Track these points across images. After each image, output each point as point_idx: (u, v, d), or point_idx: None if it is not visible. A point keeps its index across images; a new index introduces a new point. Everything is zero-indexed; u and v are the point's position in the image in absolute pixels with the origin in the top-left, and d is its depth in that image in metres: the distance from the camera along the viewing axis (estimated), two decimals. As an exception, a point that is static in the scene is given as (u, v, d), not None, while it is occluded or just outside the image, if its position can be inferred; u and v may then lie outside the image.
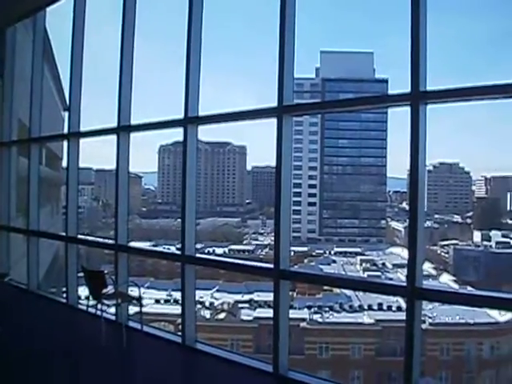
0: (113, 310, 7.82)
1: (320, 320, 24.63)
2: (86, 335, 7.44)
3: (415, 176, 5.23)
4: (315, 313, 24.84)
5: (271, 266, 6.32)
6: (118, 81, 8.12)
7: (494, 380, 23.87)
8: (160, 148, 33.16)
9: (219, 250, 28.43)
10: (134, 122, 8.27)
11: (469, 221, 33.00)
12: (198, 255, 7.56)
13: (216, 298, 25.96)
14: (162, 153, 33.27)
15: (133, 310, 8.30)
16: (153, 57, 30.51)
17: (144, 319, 7.81)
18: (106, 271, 7.70)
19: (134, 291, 7.83)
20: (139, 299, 7.71)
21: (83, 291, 8.08)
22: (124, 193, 8.27)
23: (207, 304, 25.44)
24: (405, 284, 5.31)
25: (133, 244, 9.28)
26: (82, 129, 9.22)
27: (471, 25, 29.73)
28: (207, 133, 30.37)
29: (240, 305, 25.64)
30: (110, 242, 8.54)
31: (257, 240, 31.20)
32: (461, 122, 32.36)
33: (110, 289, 7.40)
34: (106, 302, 7.26)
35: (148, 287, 24.82)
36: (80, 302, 9.20)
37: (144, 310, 7.94)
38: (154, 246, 23.48)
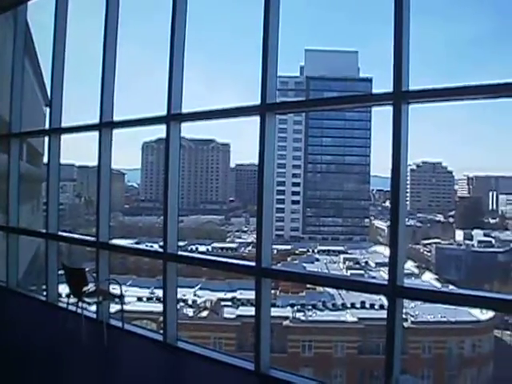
0: (94, 308, 7.75)
1: (303, 318, 24.68)
2: (67, 333, 7.35)
3: (397, 175, 5.26)
4: (298, 311, 24.88)
5: (253, 263, 6.32)
6: (101, 76, 8.04)
7: (475, 378, 24.12)
8: (143, 145, 33.03)
9: (202, 248, 28.37)
10: (117, 118, 8.20)
11: (451, 220, 33.28)
12: (180, 253, 7.52)
13: (199, 296, 25.90)
14: (145, 149, 33.12)
15: (114, 308, 8.24)
16: (137, 52, 30.32)
17: (126, 317, 7.75)
18: (87, 269, 7.64)
19: (115, 289, 7.77)
20: (120, 297, 7.65)
21: (64, 289, 7.99)
22: (106, 190, 8.21)
23: (190, 302, 25.37)
24: (386, 282, 5.34)
25: (115, 241, 9.21)
26: (64, 124, 9.12)
27: (456, 27, 30.05)
28: (191, 130, 30.29)
29: (223, 303, 25.60)
30: (92, 239, 8.46)
31: (240, 238, 31.20)
32: (444, 122, 32.61)
33: (90, 286, 7.33)
34: (86, 299, 7.19)
35: (130, 285, 24.70)
36: (60, 299, 9.10)
37: (126, 308, 7.89)
38: (136, 243, 23.33)
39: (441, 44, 30.44)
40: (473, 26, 30.24)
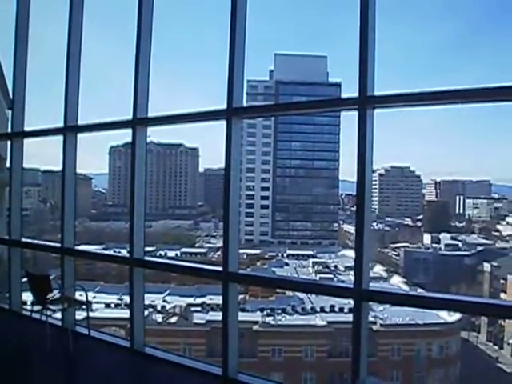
0: (59, 315, 7.60)
1: (273, 322, 24.73)
2: (31, 341, 7.21)
3: (362, 179, 5.30)
4: (268, 315, 24.93)
5: (220, 268, 6.30)
6: (65, 79, 7.89)
7: (443, 378, 24.49)
8: (111, 149, 32.71)
9: (171, 253, 28.22)
10: (82, 122, 8.07)
11: (419, 223, 33.80)
12: (146, 258, 7.44)
13: (168, 302, 25.72)
14: (112, 154, 32.80)
15: (82, 315, 8.10)
16: (104, 56, 30.07)
17: (94, 324, 7.64)
18: (53, 275, 7.49)
19: (82, 296, 7.65)
20: (86, 304, 7.54)
21: (29, 297, 7.82)
22: (71, 194, 8.07)
23: (159, 308, 25.17)
24: (352, 286, 5.38)
25: (81, 247, 9.06)
26: (27, 128, 8.93)
27: (418, 34, 30.72)
28: (161, 134, 30.19)
29: (192, 308, 25.48)
30: (56, 245, 8.30)
31: (209, 243, 31.13)
32: (412, 127, 33.21)
33: (55, 293, 7.20)
34: (51, 307, 7.05)
35: (98, 291, 24.40)
36: (25, 307, 8.90)
37: (94, 315, 7.77)
38: (104, 249, 23.07)
39: (403, 50, 31.06)
40: (435, 33, 30.96)
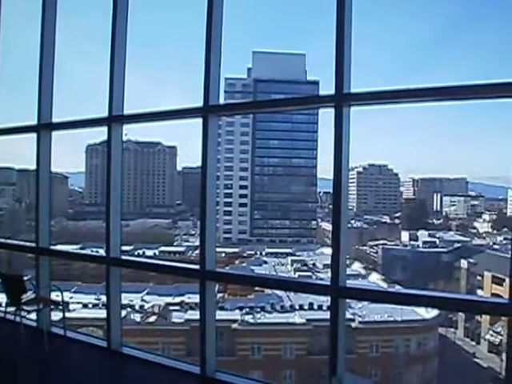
0: (35, 316, 7.49)
1: (252, 321, 24.72)
2: (4, 343, 7.09)
3: (338, 176, 5.32)
4: (247, 314, 24.92)
5: (197, 266, 6.27)
6: (39, 74, 7.75)
7: (421, 374, 24.74)
8: (87, 147, 32.43)
9: (149, 252, 28.07)
10: (56, 119, 7.94)
11: (397, 221, 34.11)
12: (123, 257, 7.36)
13: (146, 301, 25.57)
14: (89, 152, 32.53)
15: (58, 315, 7.99)
16: (80, 52, 29.74)
17: (72, 325, 7.54)
18: (28, 276, 7.38)
19: (58, 296, 7.55)
20: (62, 304, 7.44)
21: (3, 298, 7.69)
22: (45, 193, 7.94)
23: (137, 307, 25.01)
24: (329, 283, 5.38)
25: (58, 247, 8.93)
26: (-1, 126, 8.77)
27: (396, 33, 30.96)
28: (139, 132, 30.01)
29: (171, 307, 25.37)
30: (31, 244, 8.18)
31: (188, 241, 31.02)
32: (390, 125, 33.48)
33: (29, 294, 7.09)
34: (25, 307, 6.94)
35: (75, 291, 24.16)
36: (-1, 309, 8.75)
37: (72, 315, 7.68)
38: (81, 248, 22.84)
39: (382, 48, 31.32)
40: (413, 31, 31.27)
